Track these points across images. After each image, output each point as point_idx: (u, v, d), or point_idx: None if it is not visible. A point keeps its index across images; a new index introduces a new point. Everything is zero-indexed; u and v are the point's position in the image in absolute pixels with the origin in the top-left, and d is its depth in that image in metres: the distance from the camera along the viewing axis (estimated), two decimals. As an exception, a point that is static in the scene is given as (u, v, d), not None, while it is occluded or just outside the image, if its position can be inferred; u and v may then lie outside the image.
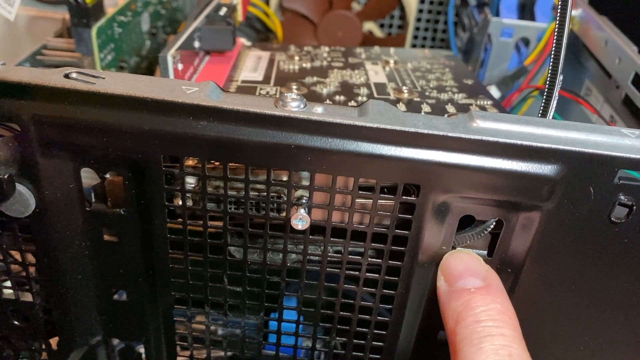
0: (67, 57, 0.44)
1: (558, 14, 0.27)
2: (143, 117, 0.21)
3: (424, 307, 0.26)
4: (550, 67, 0.24)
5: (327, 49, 0.43)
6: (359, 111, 0.22)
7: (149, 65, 0.53)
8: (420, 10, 0.61)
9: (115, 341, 0.30)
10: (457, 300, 0.22)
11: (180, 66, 0.30)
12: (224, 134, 0.21)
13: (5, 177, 0.22)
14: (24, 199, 0.23)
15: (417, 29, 0.62)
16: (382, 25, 0.64)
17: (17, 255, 0.26)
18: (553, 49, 0.24)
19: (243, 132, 0.21)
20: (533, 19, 0.49)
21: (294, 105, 0.21)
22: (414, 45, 0.62)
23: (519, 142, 0.21)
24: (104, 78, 0.22)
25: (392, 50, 0.44)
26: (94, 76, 0.22)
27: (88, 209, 0.24)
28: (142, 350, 0.30)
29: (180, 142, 0.21)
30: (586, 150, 0.21)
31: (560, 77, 0.24)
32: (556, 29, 0.24)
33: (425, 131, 0.21)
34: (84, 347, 0.29)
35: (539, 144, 0.21)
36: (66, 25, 0.50)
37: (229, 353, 0.29)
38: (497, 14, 0.50)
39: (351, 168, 0.22)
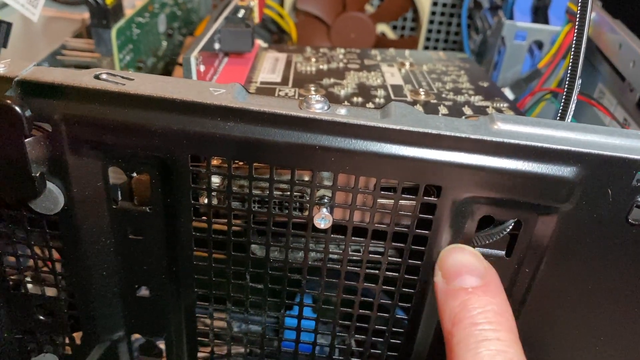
0: (87, 57, 0.45)
1: (578, 16, 0.27)
2: (172, 117, 0.22)
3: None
4: (569, 71, 0.25)
5: (342, 50, 0.44)
6: (382, 113, 0.22)
7: (166, 66, 0.53)
8: (433, 13, 0.62)
9: (137, 336, 0.31)
10: (454, 300, 0.22)
11: (202, 67, 0.31)
12: (250, 135, 0.22)
13: (38, 174, 0.22)
14: (54, 197, 0.24)
15: (430, 31, 0.62)
16: (394, 27, 0.64)
17: (43, 251, 0.27)
18: (572, 52, 0.25)
19: (269, 132, 0.22)
20: (546, 22, 0.49)
21: (318, 107, 0.22)
22: (426, 48, 0.62)
23: (539, 144, 0.21)
24: (133, 79, 0.22)
25: (407, 52, 0.44)
26: (123, 77, 0.23)
27: (115, 207, 0.25)
28: (162, 345, 0.31)
29: (208, 142, 0.22)
30: (605, 152, 0.21)
31: (579, 81, 0.24)
32: (575, 32, 0.25)
33: (448, 133, 0.21)
34: (106, 342, 0.29)
35: (559, 147, 0.21)
36: (85, 26, 0.51)
37: (249, 349, 0.29)
38: (510, 17, 0.50)
39: (374, 168, 0.22)
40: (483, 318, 0.21)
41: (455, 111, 0.33)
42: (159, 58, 0.52)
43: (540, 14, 0.50)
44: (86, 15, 0.51)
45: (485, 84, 0.38)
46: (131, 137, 0.22)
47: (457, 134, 0.21)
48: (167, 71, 0.53)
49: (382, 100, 0.34)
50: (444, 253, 0.24)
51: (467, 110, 0.33)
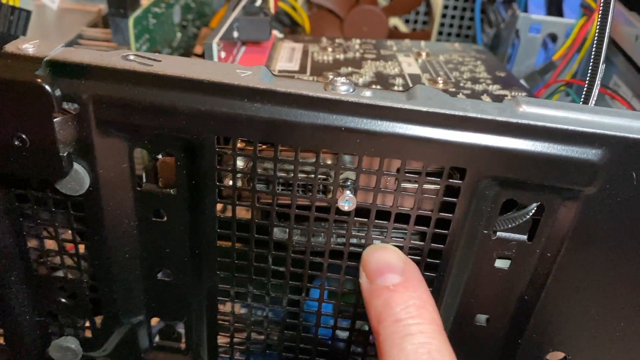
0: (103, 47, 0.45)
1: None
2: (199, 98, 0.22)
3: (462, 290, 0.26)
4: (593, 56, 0.25)
5: (358, 41, 0.44)
6: (407, 95, 0.23)
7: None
8: (446, 6, 0.62)
9: (156, 320, 0.31)
10: (377, 299, 0.23)
11: (223, 54, 0.31)
12: (276, 116, 0.22)
13: (65, 154, 0.23)
14: (80, 178, 0.24)
15: (442, 25, 0.62)
16: (407, 21, 0.64)
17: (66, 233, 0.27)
18: (596, 36, 0.25)
19: (295, 114, 0.22)
20: (561, 15, 0.49)
21: (343, 89, 0.22)
22: (439, 41, 0.62)
23: (565, 126, 0.21)
24: (160, 61, 0.23)
25: (422, 43, 0.44)
26: (150, 58, 0.23)
27: (139, 188, 0.25)
28: (182, 330, 0.31)
29: (234, 123, 0.22)
30: (630, 135, 0.21)
31: (602, 66, 0.24)
32: (600, 15, 0.25)
33: (474, 115, 0.21)
34: (126, 326, 0.30)
35: (584, 129, 0.21)
36: (100, 17, 0.51)
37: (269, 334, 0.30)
38: (525, 10, 0.50)
39: (399, 151, 0.22)
40: (405, 314, 0.22)
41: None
42: (174, 49, 0.53)
43: (554, 7, 0.50)
44: (101, 6, 0.51)
45: (503, 74, 0.38)
46: (158, 117, 0.22)
47: (484, 116, 0.21)
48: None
49: (400, 89, 0.34)
50: (365, 253, 0.24)
51: (486, 99, 0.33)
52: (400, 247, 0.25)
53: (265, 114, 0.22)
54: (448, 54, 0.41)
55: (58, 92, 0.22)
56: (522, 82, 0.47)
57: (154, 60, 0.23)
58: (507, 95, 0.34)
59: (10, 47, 0.22)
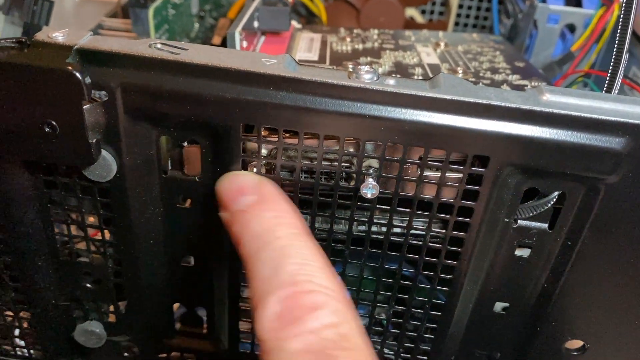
0: (123, 37, 0.46)
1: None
2: (226, 86, 0.22)
3: (482, 278, 0.27)
4: (617, 45, 0.25)
5: (376, 31, 0.44)
6: (430, 84, 0.23)
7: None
8: (463, -3, 0.62)
9: (178, 306, 0.32)
10: (236, 225, 0.22)
11: (244, 43, 0.31)
12: (301, 104, 0.22)
13: (94, 141, 0.23)
14: (107, 164, 0.24)
15: (459, 15, 0.62)
16: (423, 12, 0.64)
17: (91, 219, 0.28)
18: (620, 24, 0.25)
19: (320, 102, 0.22)
20: (579, 6, 0.49)
21: (367, 77, 0.22)
22: (455, 32, 0.62)
23: (588, 115, 0.21)
24: (187, 49, 0.23)
25: (440, 33, 0.44)
26: (177, 47, 0.23)
27: (165, 175, 0.26)
28: (204, 316, 0.32)
29: (260, 111, 0.22)
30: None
31: (626, 56, 0.24)
32: (624, 4, 0.25)
33: (498, 103, 0.21)
34: (149, 311, 0.30)
35: (608, 117, 0.21)
36: (119, 7, 0.51)
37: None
38: (542, 0, 0.50)
39: (422, 139, 0.22)
40: (260, 228, 0.21)
41: (494, 89, 0.33)
42: (192, 40, 0.53)
43: (573, -2, 0.50)
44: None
45: (522, 64, 0.38)
46: (185, 105, 0.23)
47: (507, 104, 0.21)
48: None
49: (421, 78, 0.34)
50: (217, 184, 0.23)
51: (506, 89, 0.33)
52: (422, 235, 0.25)
53: (291, 101, 0.22)
54: (466, 44, 0.41)
55: (88, 80, 0.22)
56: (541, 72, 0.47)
57: (181, 48, 0.23)
58: (527, 85, 0.34)
59: (40, 36, 0.23)
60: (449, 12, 0.61)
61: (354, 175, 0.24)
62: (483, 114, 0.22)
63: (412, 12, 0.63)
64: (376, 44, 0.40)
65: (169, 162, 0.26)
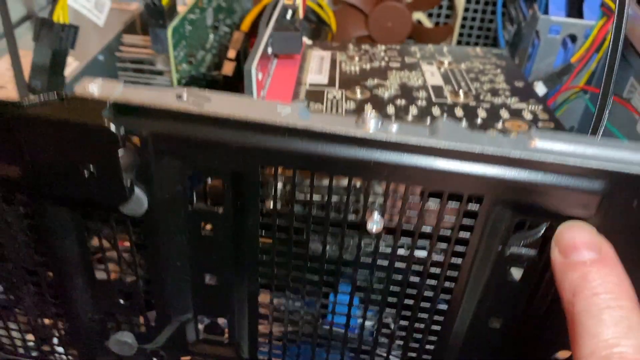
0: (143, 54, 0.48)
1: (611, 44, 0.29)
2: (246, 135, 0.25)
3: (478, 297, 0.29)
4: (602, 89, 0.27)
5: (383, 47, 0.46)
6: (430, 129, 0.25)
7: (213, 59, 0.56)
8: (469, 1, 0.63)
9: (202, 316, 0.35)
10: (573, 272, 0.23)
11: (260, 76, 0.34)
12: (312, 150, 0.25)
13: (129, 183, 0.26)
14: (140, 201, 0.27)
15: (465, 18, 0.63)
16: (430, 15, 0.66)
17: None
18: (606, 68, 0.27)
19: (329, 148, 0.25)
20: (581, 15, 0.51)
21: (372, 124, 0.25)
22: (461, 35, 0.64)
23: (571, 162, 0.24)
24: (210, 100, 0.25)
25: (445, 48, 0.46)
26: (201, 97, 0.26)
27: (190, 207, 0.28)
28: (225, 325, 0.35)
29: (277, 156, 0.25)
30: (632, 171, 0.24)
31: (610, 99, 0.26)
32: (609, 54, 0.27)
33: (491, 151, 0.24)
34: (176, 322, 0.33)
35: (589, 166, 0.24)
36: (136, 15, 0.54)
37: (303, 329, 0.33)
38: (545, 10, 0.51)
39: (423, 180, 0.25)
40: (603, 289, 0.23)
41: (493, 114, 0.35)
42: (207, 50, 0.55)
43: (575, 7, 0.51)
44: (137, 4, 0.54)
45: (521, 84, 0.40)
46: (209, 151, 0.25)
47: (498, 153, 0.24)
48: (216, 64, 0.56)
49: (424, 103, 0.36)
50: (559, 230, 0.25)
51: (505, 114, 0.35)
52: (423, 261, 0.28)
53: (303, 148, 0.25)
54: (469, 61, 0.44)
55: (122, 131, 0.25)
56: (541, 84, 0.49)
57: (205, 98, 0.26)
58: (524, 109, 0.36)
59: (78, 90, 0.25)
60: (455, 16, 0.62)
61: (360, 209, 0.27)
62: (477, 159, 0.24)
63: (419, 15, 0.65)
64: (383, 63, 0.43)
65: (194, 195, 0.28)
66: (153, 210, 0.28)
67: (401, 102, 0.36)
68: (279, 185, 0.28)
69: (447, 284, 0.28)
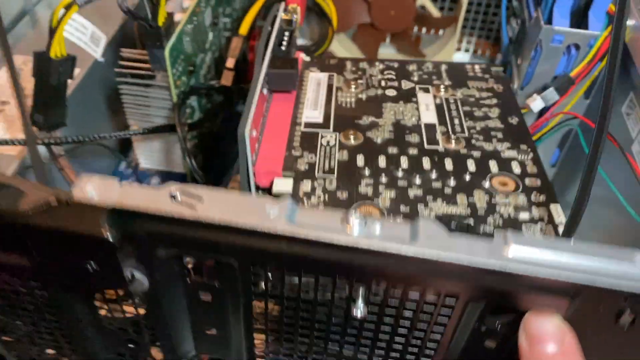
0: (143, 69, 0.48)
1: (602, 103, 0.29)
2: (235, 237, 0.26)
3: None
4: (579, 190, 0.28)
5: (380, 66, 0.46)
6: (412, 230, 0.26)
7: (214, 61, 0.56)
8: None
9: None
10: None
11: (253, 133, 0.35)
12: (298, 252, 0.26)
13: (129, 274, 0.28)
14: (140, 283, 0.29)
15: (469, 11, 0.62)
16: (435, 0, 0.64)
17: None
18: (591, 148, 0.27)
19: (314, 251, 0.26)
20: (586, 24, 0.50)
21: (356, 226, 0.26)
22: (464, 27, 0.63)
23: (543, 275, 0.25)
24: (203, 201, 0.27)
25: (443, 67, 0.46)
26: (194, 196, 0.27)
27: (189, 281, 0.30)
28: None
29: (265, 256, 0.27)
30: (601, 286, 0.25)
31: (589, 196, 0.27)
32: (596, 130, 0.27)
33: (466, 261, 0.25)
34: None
35: (560, 278, 0.25)
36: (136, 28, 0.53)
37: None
38: (549, 16, 0.50)
39: (402, 280, 0.27)
40: None
41: (482, 166, 0.36)
42: (206, 51, 0.55)
43: (580, 15, 0.50)
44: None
45: (515, 120, 0.40)
46: (202, 248, 0.27)
47: (473, 263, 0.25)
48: (217, 70, 0.56)
49: (415, 151, 0.37)
50: (527, 317, 0.27)
51: (494, 167, 0.36)
52: (404, 343, 0.30)
53: (290, 249, 0.26)
54: (466, 87, 0.44)
55: (120, 236, 0.26)
56: (539, 100, 0.49)
57: (197, 198, 0.27)
58: (514, 160, 0.37)
59: (77, 194, 0.27)
60: (459, 6, 0.61)
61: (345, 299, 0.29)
62: (453, 267, 0.26)
63: (424, 0, 0.64)
64: (379, 91, 0.43)
65: (192, 272, 0.30)
66: (153, 287, 0.30)
67: (393, 150, 0.37)
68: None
69: (427, 351, 0.31)
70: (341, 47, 0.68)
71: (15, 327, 0.35)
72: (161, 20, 0.44)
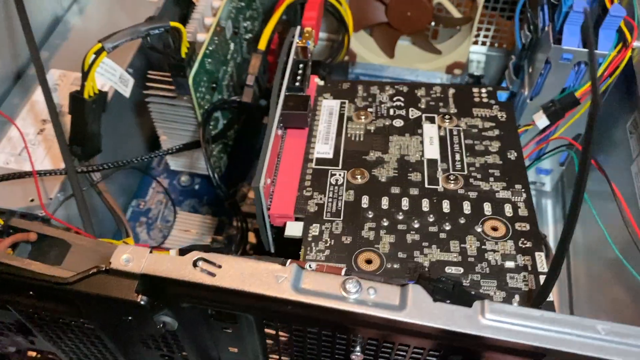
0: (168, 91, 0.52)
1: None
2: (249, 300, 0.31)
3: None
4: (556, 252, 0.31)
5: (391, 91, 0.48)
6: (401, 294, 0.30)
7: (237, 71, 0.59)
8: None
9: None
10: None
11: (267, 181, 0.38)
12: (303, 314, 0.31)
13: (160, 325, 0.33)
14: (170, 325, 0.34)
15: (486, 7, 0.62)
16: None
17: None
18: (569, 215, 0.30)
19: (317, 313, 0.31)
20: (596, 42, 0.50)
21: (353, 292, 0.30)
22: (479, 29, 0.63)
23: (514, 340, 0.29)
24: (221, 267, 0.31)
25: (450, 92, 0.48)
26: (214, 264, 0.31)
27: (212, 319, 0.35)
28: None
29: (275, 316, 0.31)
30: (566, 350, 0.29)
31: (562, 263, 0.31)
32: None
33: (447, 327, 0.29)
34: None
35: (529, 343, 0.29)
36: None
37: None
38: (559, 33, 0.51)
39: (394, 337, 0.31)
40: None
41: (477, 209, 0.39)
42: (228, 62, 0.58)
43: (589, 33, 0.51)
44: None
45: (513, 156, 0.43)
46: (221, 306, 0.32)
47: (452, 329, 0.29)
48: (240, 83, 0.59)
49: (416, 192, 0.40)
50: None
51: (487, 209, 0.39)
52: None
53: (296, 311, 0.31)
54: (470, 117, 0.46)
55: (150, 299, 0.31)
56: (544, 117, 0.51)
57: (217, 266, 0.31)
58: (508, 202, 0.40)
59: (115, 262, 0.31)
60: (475, 7, 0.62)
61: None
62: (434, 331, 0.30)
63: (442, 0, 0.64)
64: (387, 122, 0.46)
65: (213, 317, 0.35)
66: (182, 326, 0.35)
67: (396, 190, 0.40)
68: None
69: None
70: (359, 43, 0.70)
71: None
72: (183, 51, 0.47)
